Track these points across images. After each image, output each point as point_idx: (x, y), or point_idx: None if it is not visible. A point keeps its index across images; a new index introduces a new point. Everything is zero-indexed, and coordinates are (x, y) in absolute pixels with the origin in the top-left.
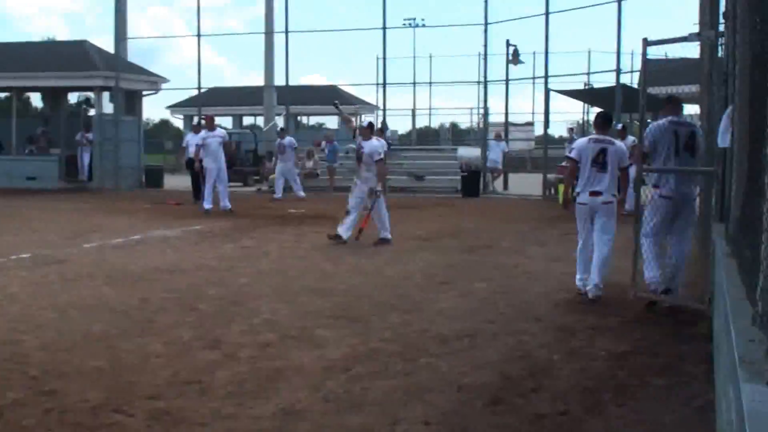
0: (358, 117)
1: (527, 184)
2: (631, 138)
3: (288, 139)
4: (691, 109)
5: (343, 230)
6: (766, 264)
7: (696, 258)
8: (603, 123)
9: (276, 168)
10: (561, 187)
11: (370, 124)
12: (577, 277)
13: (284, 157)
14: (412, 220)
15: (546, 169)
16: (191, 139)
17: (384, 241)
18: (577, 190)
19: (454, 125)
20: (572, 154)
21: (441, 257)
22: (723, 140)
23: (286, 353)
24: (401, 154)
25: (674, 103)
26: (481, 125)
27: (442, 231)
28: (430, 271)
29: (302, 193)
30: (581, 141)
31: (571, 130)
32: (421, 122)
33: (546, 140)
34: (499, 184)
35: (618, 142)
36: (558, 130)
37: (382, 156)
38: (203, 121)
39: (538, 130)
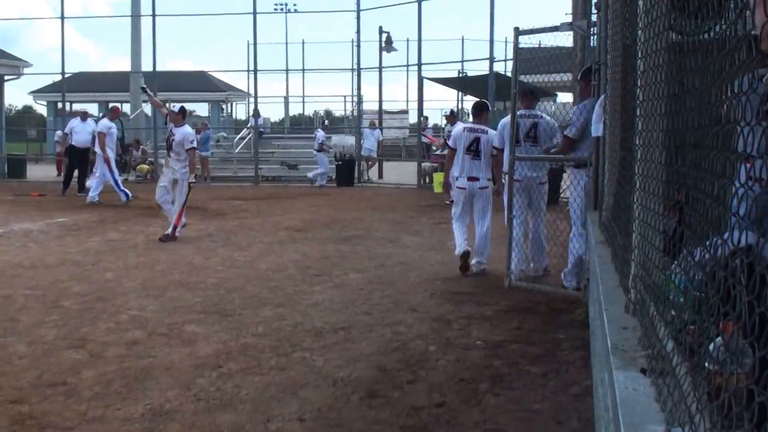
0: (227, 104)
1: (402, 172)
2: (460, 125)
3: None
4: (564, 97)
5: (171, 228)
6: (637, 252)
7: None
8: (477, 112)
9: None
10: (437, 176)
11: (182, 110)
12: (457, 244)
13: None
14: (285, 210)
15: (420, 158)
16: (78, 126)
17: (168, 238)
18: (455, 174)
19: (327, 113)
20: (450, 142)
21: (315, 248)
22: (596, 129)
23: (155, 351)
24: (273, 142)
25: (522, 95)
26: (355, 113)
27: (315, 221)
28: (304, 262)
29: None
30: (457, 129)
31: (448, 117)
32: (295, 109)
33: (420, 128)
34: (374, 172)
35: (491, 131)
36: (434, 118)
37: (194, 144)
38: (86, 111)
39: (413, 118)
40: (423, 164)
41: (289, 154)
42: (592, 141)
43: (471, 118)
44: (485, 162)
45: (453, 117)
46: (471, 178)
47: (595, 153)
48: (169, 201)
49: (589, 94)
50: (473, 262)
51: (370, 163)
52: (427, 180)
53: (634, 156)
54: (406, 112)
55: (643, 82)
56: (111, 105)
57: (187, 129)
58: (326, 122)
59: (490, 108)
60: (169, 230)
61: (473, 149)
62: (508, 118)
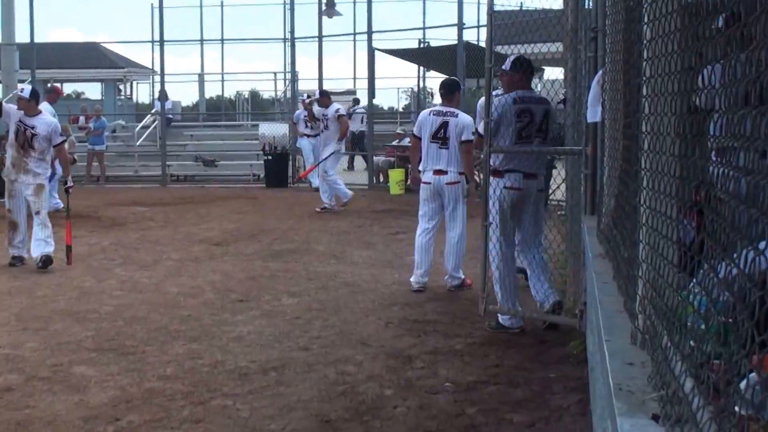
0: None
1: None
2: (335, 106)
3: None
4: (551, 73)
5: (35, 248)
6: (646, 267)
7: (565, 261)
8: (448, 92)
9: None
10: (393, 174)
11: (35, 93)
12: (415, 272)
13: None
14: (201, 218)
15: (372, 150)
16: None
17: (18, 260)
18: (420, 167)
19: (254, 94)
20: (414, 129)
21: (238, 267)
22: (592, 114)
23: (34, 400)
24: (186, 132)
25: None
26: (289, 94)
27: (239, 232)
28: (225, 285)
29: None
30: (422, 114)
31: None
32: (212, 90)
33: (372, 113)
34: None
35: (463, 114)
36: (388, 99)
37: (65, 138)
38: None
39: (362, 101)
40: (376, 159)
41: (205, 147)
42: (589, 128)
43: (439, 101)
44: (455, 152)
45: (327, 99)
46: (437, 172)
47: (592, 143)
48: (23, 214)
49: (521, 87)
50: (445, 277)
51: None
52: (382, 178)
53: (639, 146)
54: (353, 92)
55: (651, 54)
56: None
57: (49, 118)
58: (307, 96)
59: (462, 87)
60: (53, 251)
61: (440, 136)
62: (505, 98)
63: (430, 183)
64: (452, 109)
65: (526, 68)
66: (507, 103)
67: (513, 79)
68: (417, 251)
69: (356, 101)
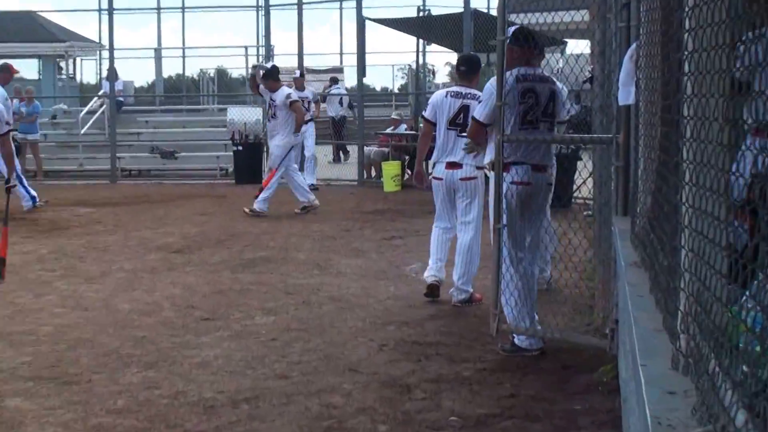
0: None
1: (336, 162)
2: (285, 91)
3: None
4: (576, 47)
5: None
6: (689, 278)
7: (592, 270)
8: (468, 71)
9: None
10: (387, 167)
11: None
12: (429, 264)
13: None
14: (158, 221)
15: (363, 140)
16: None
17: None
18: (433, 159)
19: (221, 73)
20: (426, 113)
21: (203, 279)
22: (624, 95)
23: None
24: (140, 118)
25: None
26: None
27: (204, 237)
28: (187, 300)
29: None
30: (437, 95)
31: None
32: (171, 68)
33: (362, 94)
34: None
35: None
36: (381, 78)
37: (10, 128)
38: None
39: (350, 80)
40: (367, 149)
41: (163, 136)
42: (615, 112)
43: (442, 80)
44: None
45: (273, 81)
46: (451, 165)
47: (624, 130)
48: None
49: (523, 63)
50: (450, 290)
51: None
52: (374, 173)
53: (680, 134)
54: (339, 70)
55: (695, 23)
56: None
57: None
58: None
59: (480, 65)
60: None
61: (460, 122)
62: (505, 77)
63: (441, 179)
64: (473, 91)
65: (529, 42)
66: (509, 82)
67: (513, 54)
68: (433, 243)
69: (334, 81)
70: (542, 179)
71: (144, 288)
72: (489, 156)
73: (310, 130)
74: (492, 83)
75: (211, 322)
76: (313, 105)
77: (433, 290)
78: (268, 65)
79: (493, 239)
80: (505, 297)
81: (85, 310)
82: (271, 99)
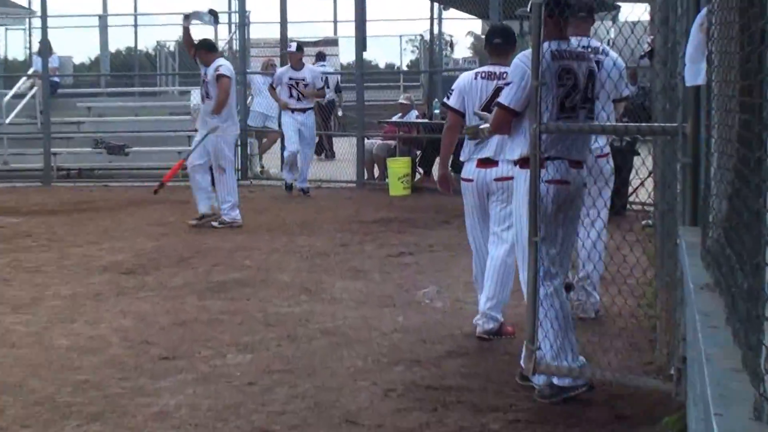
0: None
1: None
2: (218, 62)
3: None
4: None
5: None
6: None
7: (653, 295)
8: (501, 45)
9: None
10: (394, 165)
11: None
12: (480, 304)
13: None
14: (104, 233)
15: (363, 130)
16: None
17: None
18: (462, 157)
19: (184, 47)
20: (450, 101)
21: (161, 306)
22: (693, 74)
23: None
24: (80, 103)
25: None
26: (235, 46)
27: (162, 254)
28: (141, 334)
29: None
30: (464, 78)
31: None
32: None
33: (362, 73)
34: (274, 159)
35: None
36: (386, 53)
37: None
38: None
39: (347, 55)
40: (368, 143)
41: (110, 126)
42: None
43: (464, 54)
44: (516, 131)
45: (207, 52)
46: (483, 162)
47: (693, 118)
48: None
49: (556, 35)
50: (476, 318)
51: (266, 141)
52: (377, 172)
53: (765, 123)
54: (334, 42)
55: None
56: None
57: None
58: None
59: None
60: None
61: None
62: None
63: (472, 180)
64: (507, 69)
65: (562, 10)
66: (545, 58)
67: (546, 25)
68: (475, 276)
69: (320, 56)
70: (580, 178)
71: (86, 319)
72: (519, 150)
73: (307, 121)
74: (523, 59)
75: (172, 362)
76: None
77: (491, 334)
78: (292, 46)
79: (529, 255)
80: (544, 328)
81: (11, 347)
82: (204, 74)
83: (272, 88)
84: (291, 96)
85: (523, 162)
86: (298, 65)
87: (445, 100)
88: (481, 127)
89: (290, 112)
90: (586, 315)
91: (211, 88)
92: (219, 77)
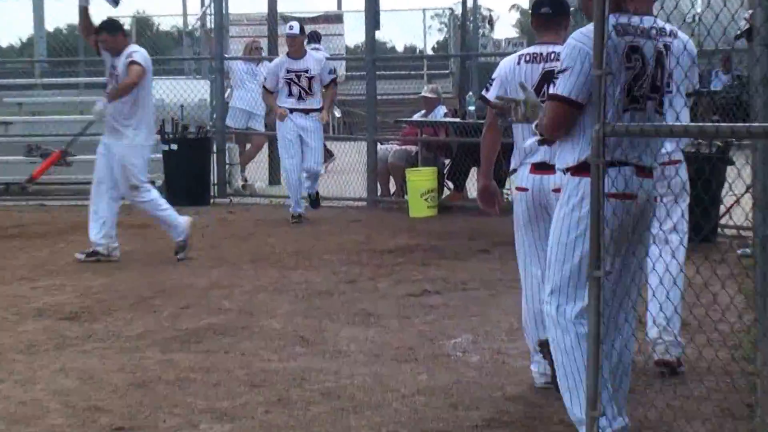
0: None
1: (333, 171)
2: (131, 49)
3: None
4: None
5: None
6: None
7: (751, 348)
8: (555, 14)
9: None
10: (415, 177)
11: None
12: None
13: None
14: (37, 267)
15: (375, 132)
16: None
17: None
18: (513, 163)
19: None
20: (489, 93)
21: (114, 362)
22: None
23: None
24: (8, 98)
25: None
26: (210, 23)
27: (116, 293)
28: (88, 398)
29: None
30: (506, 65)
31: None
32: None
33: (374, 59)
34: (259, 171)
35: None
36: (405, 33)
37: None
38: None
39: (355, 35)
40: (381, 149)
41: (46, 128)
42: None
43: (509, 33)
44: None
45: (112, 36)
46: (539, 168)
47: None
48: None
49: (616, 7)
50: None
51: (250, 147)
52: (393, 187)
53: None
54: (338, 18)
55: None
56: None
57: None
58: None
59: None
60: None
61: (545, 99)
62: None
63: (527, 189)
64: (558, 48)
65: None
66: (610, 36)
67: None
68: (528, 313)
69: (314, 37)
70: (649, 190)
71: (17, 378)
72: (570, 154)
73: (312, 125)
74: (579, 38)
75: None
76: (318, 84)
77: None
78: (294, 27)
79: (590, 295)
80: (608, 392)
81: None
82: (112, 66)
83: (267, 92)
84: (290, 94)
85: (576, 169)
86: (298, 53)
87: (483, 92)
88: (522, 98)
89: (288, 111)
90: (670, 358)
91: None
92: (131, 64)
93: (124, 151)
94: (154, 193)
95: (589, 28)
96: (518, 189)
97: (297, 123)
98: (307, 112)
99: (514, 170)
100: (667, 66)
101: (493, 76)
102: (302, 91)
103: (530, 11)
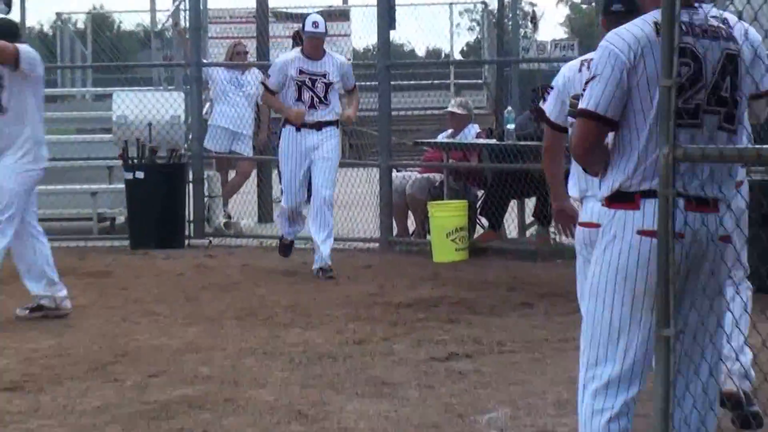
0: None
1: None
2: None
3: None
4: None
5: None
6: None
7: None
8: (624, 16)
9: None
10: (439, 212)
11: None
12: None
13: None
14: None
15: (389, 156)
16: None
17: None
18: (571, 191)
19: (99, 23)
20: (547, 106)
21: None
22: None
23: None
24: None
25: None
26: (184, 21)
27: (68, 357)
28: None
29: None
30: (567, 72)
31: None
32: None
33: (388, 65)
34: (243, 204)
35: None
36: (426, 33)
37: None
38: None
39: (364, 36)
40: (399, 177)
41: None
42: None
43: (558, 33)
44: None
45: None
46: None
47: None
48: None
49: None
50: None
51: (234, 177)
52: (413, 225)
53: None
54: (344, 14)
55: None
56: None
57: None
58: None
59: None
60: None
61: None
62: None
63: (598, 226)
64: None
65: None
66: (646, 35)
67: None
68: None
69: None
70: (713, 228)
71: None
72: (610, 179)
73: (326, 143)
74: (611, 38)
75: None
76: (334, 94)
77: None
78: (319, 24)
79: (657, 361)
80: None
81: None
82: None
83: (269, 92)
84: (300, 99)
85: (613, 199)
86: (317, 53)
87: (541, 103)
88: None
89: (295, 129)
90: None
91: (5, 94)
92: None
93: (4, 175)
94: (9, 240)
95: (628, 25)
96: (582, 225)
97: (307, 144)
98: (319, 127)
99: (579, 198)
100: (740, 73)
101: (552, 84)
102: (315, 99)
103: (603, 6)
